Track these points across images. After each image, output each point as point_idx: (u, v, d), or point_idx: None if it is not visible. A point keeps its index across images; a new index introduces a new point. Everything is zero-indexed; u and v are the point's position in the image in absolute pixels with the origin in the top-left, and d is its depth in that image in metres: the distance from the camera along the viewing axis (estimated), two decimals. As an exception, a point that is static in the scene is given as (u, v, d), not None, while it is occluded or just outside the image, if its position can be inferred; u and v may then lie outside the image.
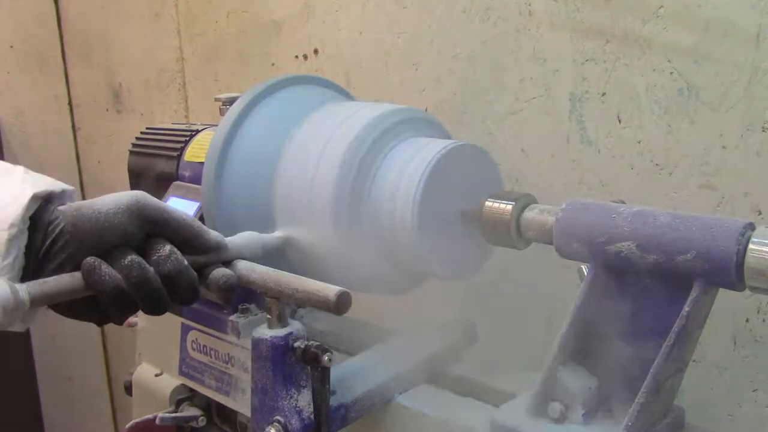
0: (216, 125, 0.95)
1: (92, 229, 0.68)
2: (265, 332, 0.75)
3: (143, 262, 0.69)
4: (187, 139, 1.05)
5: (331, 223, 0.82)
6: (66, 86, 2.16)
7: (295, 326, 0.76)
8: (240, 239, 0.79)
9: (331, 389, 0.75)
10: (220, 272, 0.74)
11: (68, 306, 0.69)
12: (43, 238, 0.70)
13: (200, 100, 1.74)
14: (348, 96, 1.04)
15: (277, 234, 0.86)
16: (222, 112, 1.01)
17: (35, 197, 0.72)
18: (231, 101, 0.97)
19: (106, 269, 0.67)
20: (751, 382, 0.96)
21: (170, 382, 1.07)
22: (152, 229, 0.71)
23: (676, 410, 0.72)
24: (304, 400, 0.75)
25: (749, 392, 0.97)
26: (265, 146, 0.91)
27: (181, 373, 1.04)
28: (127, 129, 1.94)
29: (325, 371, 0.73)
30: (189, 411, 1.06)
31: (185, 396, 1.06)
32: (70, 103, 2.17)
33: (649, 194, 1.00)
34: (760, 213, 0.91)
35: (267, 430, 0.75)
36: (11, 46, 2.15)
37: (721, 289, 0.65)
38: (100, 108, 2.07)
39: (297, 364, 0.75)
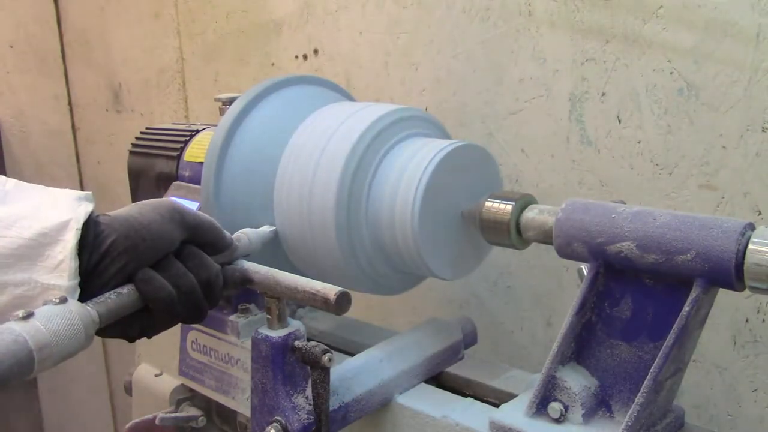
0: (216, 125, 0.95)
1: (146, 240, 0.67)
2: (265, 332, 0.75)
3: (187, 271, 0.70)
4: (187, 139, 1.04)
5: (331, 223, 0.82)
6: (66, 86, 2.16)
7: (295, 326, 0.76)
8: (246, 236, 0.80)
9: (331, 389, 0.75)
10: (231, 269, 0.76)
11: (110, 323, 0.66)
12: (91, 252, 0.65)
13: (200, 100, 1.74)
14: (348, 96, 1.04)
15: (268, 228, 0.86)
16: (222, 112, 1.01)
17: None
18: (231, 101, 0.97)
19: (159, 278, 0.67)
20: (751, 382, 0.96)
21: (170, 382, 1.07)
22: (189, 233, 0.72)
23: (676, 410, 0.72)
24: (304, 400, 0.75)
25: (749, 392, 0.97)
26: (264, 146, 0.91)
27: (181, 373, 1.04)
28: (127, 129, 1.94)
29: (325, 371, 0.73)
30: (189, 411, 1.06)
31: (185, 396, 1.06)
32: (69, 103, 2.18)
33: (649, 194, 1.00)
34: (760, 213, 0.91)
35: (267, 430, 0.75)
36: (11, 46, 2.15)
37: (721, 289, 0.65)
38: (100, 108, 2.07)
39: (297, 364, 0.75)
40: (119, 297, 0.65)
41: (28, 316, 0.58)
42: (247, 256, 0.79)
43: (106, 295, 0.65)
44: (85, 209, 0.66)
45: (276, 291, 0.73)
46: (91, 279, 0.66)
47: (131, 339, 0.71)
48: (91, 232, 0.66)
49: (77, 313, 0.60)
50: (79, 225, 0.64)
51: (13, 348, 0.55)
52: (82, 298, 0.64)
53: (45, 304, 0.60)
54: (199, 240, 0.73)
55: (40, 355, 0.57)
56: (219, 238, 0.75)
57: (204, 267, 0.71)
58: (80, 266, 0.65)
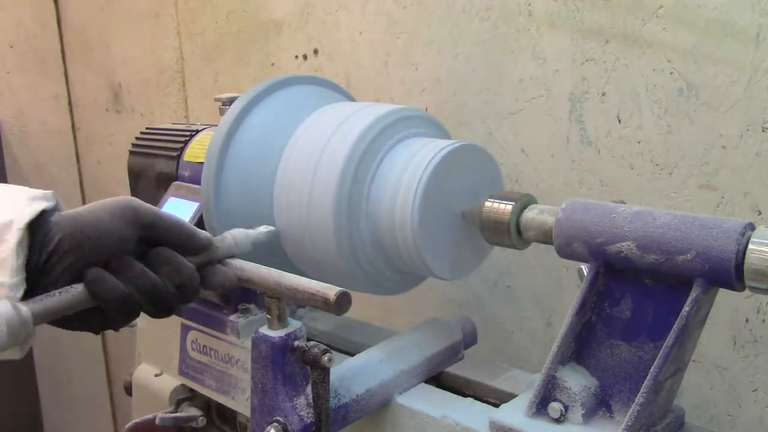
0: (216, 125, 0.95)
1: (91, 238, 0.68)
2: (265, 332, 0.75)
3: (146, 269, 0.70)
4: (187, 139, 1.05)
5: (331, 223, 0.82)
6: (66, 86, 2.16)
7: (295, 326, 0.76)
8: (230, 236, 0.79)
9: (331, 389, 0.75)
10: (219, 271, 0.75)
11: (66, 318, 0.68)
12: (39, 251, 0.67)
13: (200, 100, 1.74)
14: (348, 96, 1.04)
15: (263, 229, 0.86)
16: (222, 112, 1.01)
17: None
18: (231, 101, 0.97)
19: (110, 278, 0.68)
20: (751, 382, 0.96)
21: (170, 382, 1.07)
22: (146, 232, 0.71)
23: (676, 410, 0.72)
24: (304, 400, 0.75)
25: (749, 392, 0.97)
26: (264, 146, 0.91)
27: (181, 373, 1.04)
28: (127, 129, 1.94)
29: (325, 371, 0.73)
30: (189, 411, 1.06)
31: (185, 396, 1.06)
32: (69, 103, 2.17)
33: (649, 194, 1.00)
34: (759, 213, 0.91)
35: (267, 430, 0.75)
36: (11, 46, 2.15)
37: (721, 289, 0.65)
38: (100, 108, 2.07)
39: (297, 364, 0.75)
40: (65, 295, 0.66)
41: None
42: (232, 257, 0.79)
43: (50, 293, 0.66)
44: (33, 209, 0.67)
45: (276, 291, 0.73)
46: (40, 277, 0.67)
47: (95, 332, 0.72)
48: (41, 230, 0.67)
49: (2, 313, 0.61)
50: (22, 225, 0.66)
51: None
52: (33, 296, 0.66)
53: None
54: (163, 240, 0.72)
55: None
56: (186, 238, 0.74)
57: (178, 272, 0.71)
58: (29, 264, 0.66)
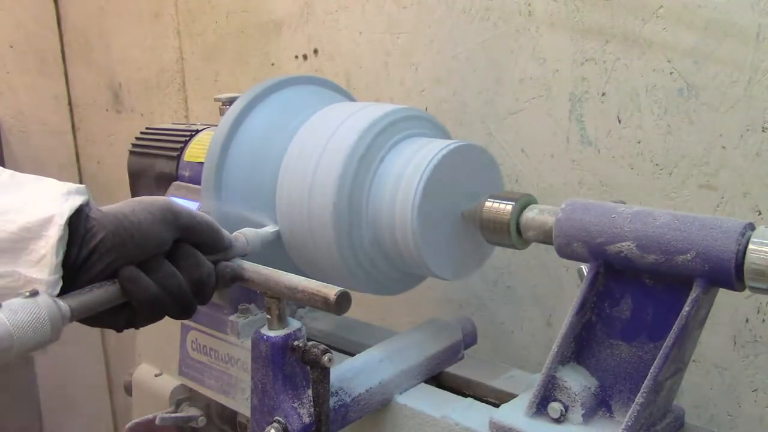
0: (216, 125, 0.95)
1: (134, 237, 0.68)
2: (265, 332, 0.75)
3: (176, 271, 0.70)
4: (187, 139, 1.04)
5: (331, 223, 0.82)
6: (66, 86, 2.16)
7: (295, 326, 0.76)
8: (242, 236, 0.81)
9: (331, 389, 0.75)
10: (223, 266, 0.76)
11: (94, 314, 0.68)
12: (79, 247, 0.66)
13: (200, 100, 1.74)
14: (348, 96, 1.04)
15: (270, 228, 0.86)
16: (222, 112, 1.01)
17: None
18: (231, 101, 0.97)
19: (144, 278, 0.68)
20: (751, 382, 0.96)
21: (170, 382, 1.07)
22: (182, 234, 0.72)
23: (676, 410, 0.72)
24: (304, 400, 0.75)
25: (749, 392, 0.97)
26: (264, 146, 0.91)
27: (181, 373, 1.04)
28: (127, 129, 1.94)
29: (325, 371, 0.73)
30: (189, 411, 1.06)
31: (185, 396, 1.06)
32: (69, 103, 2.18)
33: (649, 194, 1.00)
34: (759, 213, 0.91)
35: (267, 430, 0.75)
36: (11, 46, 2.15)
37: (721, 289, 0.65)
38: (100, 108, 2.07)
39: (297, 364, 0.75)
40: (99, 292, 0.66)
41: None
42: (244, 256, 0.79)
43: (85, 289, 0.66)
44: (71, 204, 0.67)
45: (276, 291, 0.73)
46: (79, 274, 0.67)
47: (118, 330, 0.72)
48: (81, 226, 0.67)
49: (45, 307, 0.61)
50: (63, 221, 0.65)
51: None
52: (69, 292, 0.65)
53: (17, 296, 0.61)
54: (194, 240, 0.73)
55: (0, 346, 0.58)
56: (216, 238, 0.76)
57: (197, 267, 0.72)
58: (68, 260, 0.66)
